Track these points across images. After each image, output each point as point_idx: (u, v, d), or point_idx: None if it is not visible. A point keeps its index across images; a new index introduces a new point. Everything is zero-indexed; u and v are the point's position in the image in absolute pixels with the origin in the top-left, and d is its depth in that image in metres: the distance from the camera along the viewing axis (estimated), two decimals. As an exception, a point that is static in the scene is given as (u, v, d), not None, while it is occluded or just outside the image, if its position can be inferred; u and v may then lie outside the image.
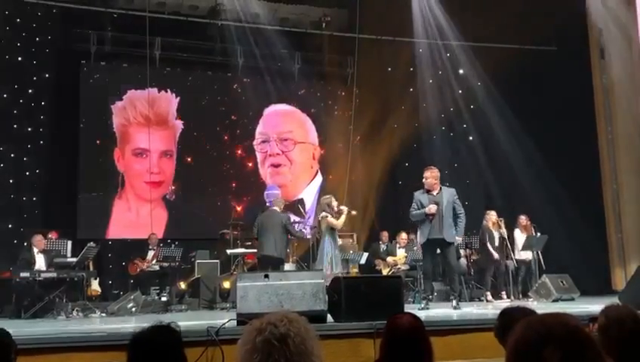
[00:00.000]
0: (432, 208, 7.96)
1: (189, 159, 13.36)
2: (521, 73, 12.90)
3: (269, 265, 9.25)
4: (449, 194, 8.19)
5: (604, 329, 2.56)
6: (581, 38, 12.28)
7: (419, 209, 8.11)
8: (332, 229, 8.59)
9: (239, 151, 13.80)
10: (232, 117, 13.77)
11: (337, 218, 8.61)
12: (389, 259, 11.43)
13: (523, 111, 12.97)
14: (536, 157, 12.88)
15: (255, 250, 10.12)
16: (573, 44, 12.44)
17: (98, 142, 12.73)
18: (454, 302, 7.99)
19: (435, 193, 8.17)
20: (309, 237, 11.85)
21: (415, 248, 10.65)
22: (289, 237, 9.79)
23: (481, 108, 13.84)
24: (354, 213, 9.03)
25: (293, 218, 12.53)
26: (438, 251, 8.26)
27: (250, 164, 13.84)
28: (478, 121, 13.90)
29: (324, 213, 8.60)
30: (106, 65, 12.73)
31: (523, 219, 10.82)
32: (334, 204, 8.76)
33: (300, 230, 11.07)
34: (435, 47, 13.66)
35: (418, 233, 8.54)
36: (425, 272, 8.57)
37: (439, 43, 13.59)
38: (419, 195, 8.22)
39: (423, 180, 8.23)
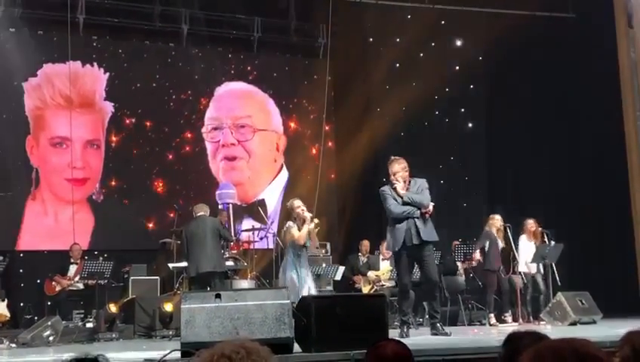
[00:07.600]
0: (431, 207, 7.92)
1: (120, 150, 13.25)
2: (532, 45, 13.03)
3: (210, 283, 9.37)
4: (421, 184, 8.15)
5: None
6: (604, 3, 12.44)
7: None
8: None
9: (184, 141, 13.72)
10: (176, 97, 13.69)
11: (300, 227, 8.23)
12: (371, 274, 11.48)
13: (534, 92, 13.11)
14: (549, 148, 13.03)
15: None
16: (595, 9, 12.58)
17: (5, 129, 12.54)
18: (438, 326, 7.92)
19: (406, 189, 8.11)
20: (271, 246, 11.86)
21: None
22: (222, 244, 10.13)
23: (483, 89, 13.96)
24: (315, 223, 8.43)
25: (252, 223, 12.54)
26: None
27: (198, 157, 13.77)
28: (479, 104, 14.02)
29: (290, 223, 8.29)
30: (16, 32, 12.54)
31: (530, 223, 10.92)
32: (299, 209, 8.33)
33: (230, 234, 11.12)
34: (427, 12, 13.72)
35: (388, 238, 8.33)
36: (403, 289, 8.30)
37: (432, 7, 13.67)
38: (390, 191, 8.09)
39: (392, 177, 8.12)
